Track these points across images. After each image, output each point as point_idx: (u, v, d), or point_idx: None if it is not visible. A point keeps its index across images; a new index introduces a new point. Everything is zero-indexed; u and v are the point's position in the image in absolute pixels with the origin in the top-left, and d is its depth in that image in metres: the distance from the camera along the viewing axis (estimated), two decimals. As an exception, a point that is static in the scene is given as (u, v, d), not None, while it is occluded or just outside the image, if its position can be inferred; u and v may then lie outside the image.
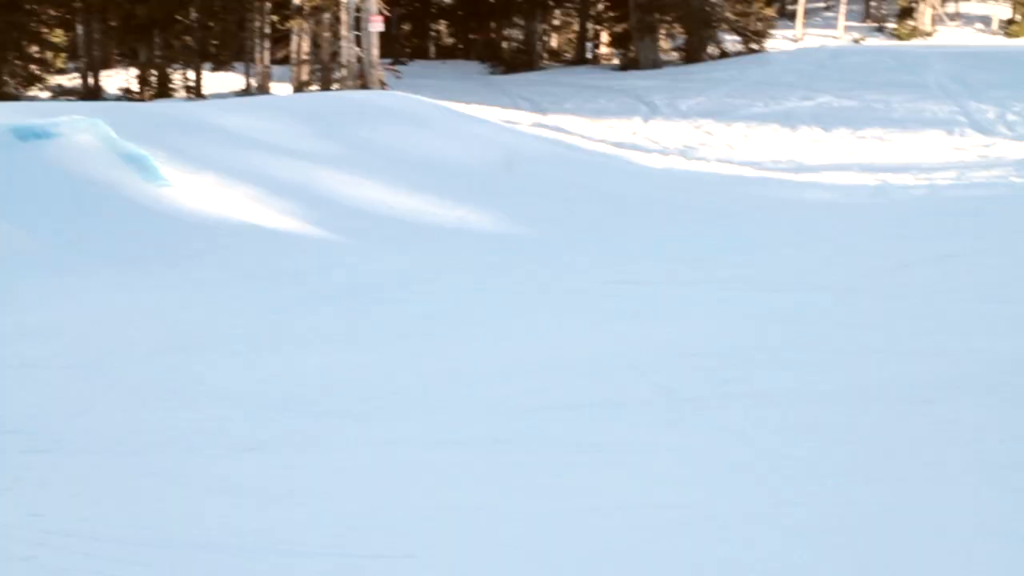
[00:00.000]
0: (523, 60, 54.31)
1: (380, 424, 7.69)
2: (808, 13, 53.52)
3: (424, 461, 6.81)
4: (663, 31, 50.02)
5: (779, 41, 48.72)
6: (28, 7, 51.83)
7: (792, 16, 53.66)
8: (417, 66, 53.68)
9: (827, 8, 58.42)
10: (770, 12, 50.05)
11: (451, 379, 9.01)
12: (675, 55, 49.59)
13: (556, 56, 58.48)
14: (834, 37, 49.91)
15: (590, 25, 57.50)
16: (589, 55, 56.61)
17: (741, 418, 7.44)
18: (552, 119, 32.64)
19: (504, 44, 59.48)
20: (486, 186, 19.38)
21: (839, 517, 5.68)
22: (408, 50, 60.58)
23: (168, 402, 8.47)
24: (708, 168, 24.43)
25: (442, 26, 66.71)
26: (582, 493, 6.16)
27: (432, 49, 64.27)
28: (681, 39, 50.01)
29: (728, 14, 48.05)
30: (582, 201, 19.33)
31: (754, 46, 47.29)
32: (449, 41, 66.19)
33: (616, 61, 53.62)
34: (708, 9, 47.44)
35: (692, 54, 47.68)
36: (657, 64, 47.54)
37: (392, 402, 8.30)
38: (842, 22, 51.69)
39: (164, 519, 5.92)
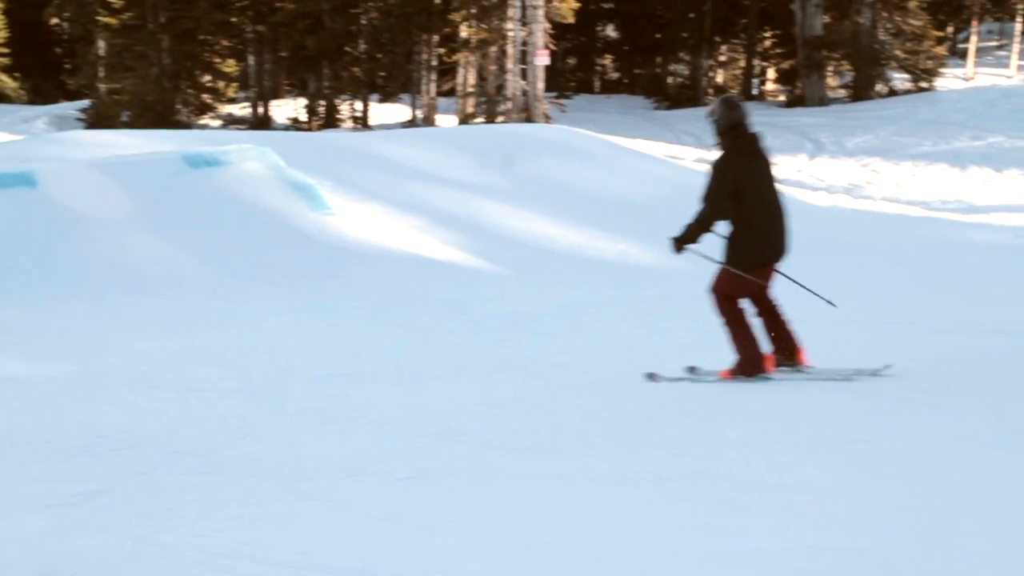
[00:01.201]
0: (688, 95, 54.11)
1: (540, 457, 7.66)
2: (980, 52, 52.46)
3: (585, 496, 6.76)
4: (831, 68, 49.47)
5: (949, 80, 47.74)
6: (202, 37, 52.94)
7: (963, 55, 52.62)
8: (581, 100, 53.73)
9: (999, 47, 57.24)
10: (941, 50, 49.18)
11: (612, 415, 8.95)
12: (842, 92, 48.96)
13: (721, 92, 58.14)
14: (1006, 76, 48.82)
15: (756, 61, 57.11)
16: (755, 91, 56.23)
17: (903, 460, 7.28)
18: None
19: (669, 79, 59.33)
20: (648, 220, 19.27)
21: None
22: (573, 84, 60.76)
23: (329, 428, 8.55)
24: (874, 207, 24.06)
25: (607, 60, 66.78)
26: (746, 532, 6.08)
27: (597, 83, 64.39)
28: (849, 76, 49.38)
29: (897, 52, 47.31)
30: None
31: (923, 84, 46.44)
32: (614, 76, 66.24)
33: (782, 97, 53.20)
34: (877, 47, 46.75)
35: (860, 91, 47.00)
36: (824, 101, 47.02)
37: (552, 435, 8.27)
38: (1015, 61, 50.53)
39: (323, 545, 5.96)
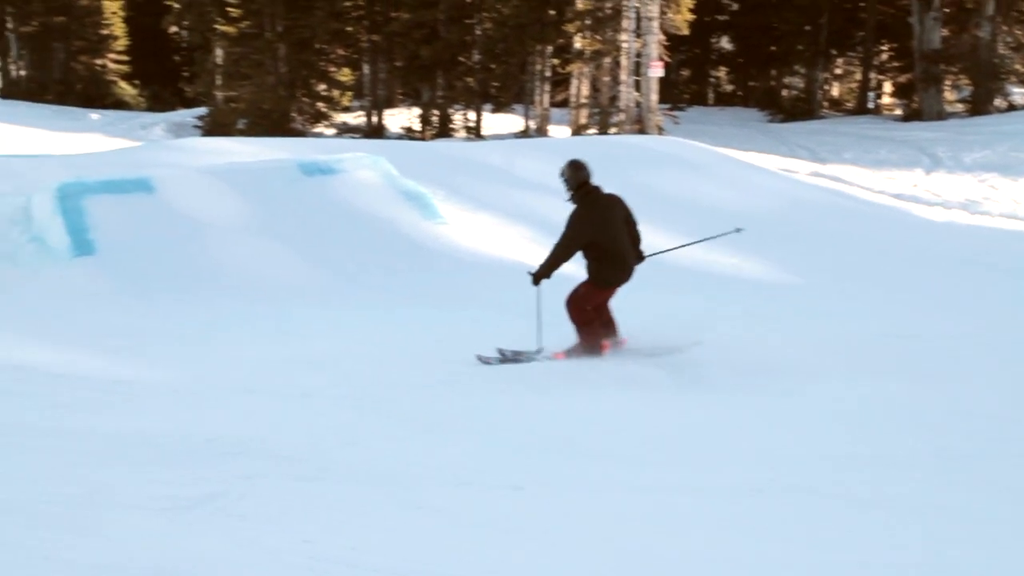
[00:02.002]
0: (803, 108, 53.73)
1: (644, 469, 7.65)
2: (1102, 66, 51.61)
3: (687, 508, 6.75)
4: (948, 82, 48.89)
5: (1071, 95, 47.09)
6: (318, 46, 53.43)
7: (1086, 69, 51.80)
8: (695, 112, 53.57)
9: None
10: (1062, 65, 48.49)
11: (715, 427, 8.92)
12: (960, 106, 48.35)
13: (837, 105, 57.70)
14: None
15: (873, 74, 56.52)
16: (871, 105, 55.68)
17: (1017, 477, 7.18)
18: (831, 169, 32.17)
19: (784, 92, 58.95)
20: (761, 234, 19.15)
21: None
22: (687, 96, 60.60)
23: (436, 437, 8.59)
24: (992, 223, 23.67)
25: (722, 73, 66.53)
26: (844, 547, 6.03)
27: (711, 95, 64.15)
28: (967, 90, 48.76)
29: (1017, 66, 46.68)
30: (857, 252, 18.97)
31: (1044, 99, 45.86)
32: (728, 88, 65.98)
33: (898, 111, 52.62)
34: (996, 60, 46.14)
35: (978, 106, 46.39)
36: (941, 115, 46.47)
37: (654, 448, 8.26)
38: None
39: (427, 552, 5.99)
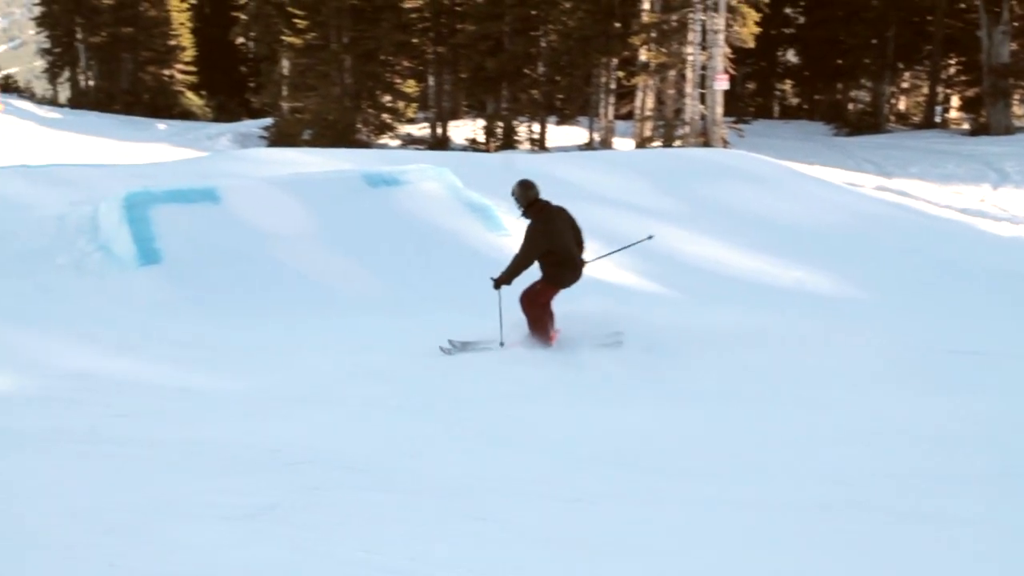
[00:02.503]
0: (869, 122, 53.37)
1: (705, 483, 7.60)
2: None
3: (748, 523, 6.70)
4: (1017, 96, 48.45)
5: None
6: (384, 58, 53.62)
7: None
8: (760, 125, 53.35)
9: None
10: None
11: (776, 441, 8.85)
12: (1029, 121, 48.01)
13: (903, 119, 57.29)
14: None
15: (940, 88, 56.07)
16: (938, 119, 55.22)
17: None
18: (897, 183, 31.94)
19: (850, 106, 58.60)
20: (825, 248, 19.07)
21: None
22: (752, 109, 60.36)
23: (498, 449, 8.57)
24: (1061, 239, 23.43)
25: (787, 86, 66.24)
26: (911, 565, 5.96)
27: (776, 109, 63.88)
28: (1036, 105, 48.40)
29: (1087, 80, 46.29)
30: (923, 267, 18.82)
31: (1113, 113, 45.41)
32: (794, 101, 65.68)
33: (966, 126, 52.17)
34: (1067, 75, 45.79)
35: (1047, 120, 46.06)
36: (1010, 130, 46.06)
37: (718, 462, 8.21)
38: None
39: (490, 564, 5.97)
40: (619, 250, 15.06)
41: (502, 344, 12.92)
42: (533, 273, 13.07)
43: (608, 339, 13.16)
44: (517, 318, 13.16)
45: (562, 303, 13.36)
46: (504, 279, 13.08)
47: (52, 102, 74.80)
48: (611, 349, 12.62)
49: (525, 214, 13.19)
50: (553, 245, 13.04)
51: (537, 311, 13.20)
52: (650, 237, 14.81)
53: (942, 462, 8.14)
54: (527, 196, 13.19)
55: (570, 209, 13.40)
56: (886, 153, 41.21)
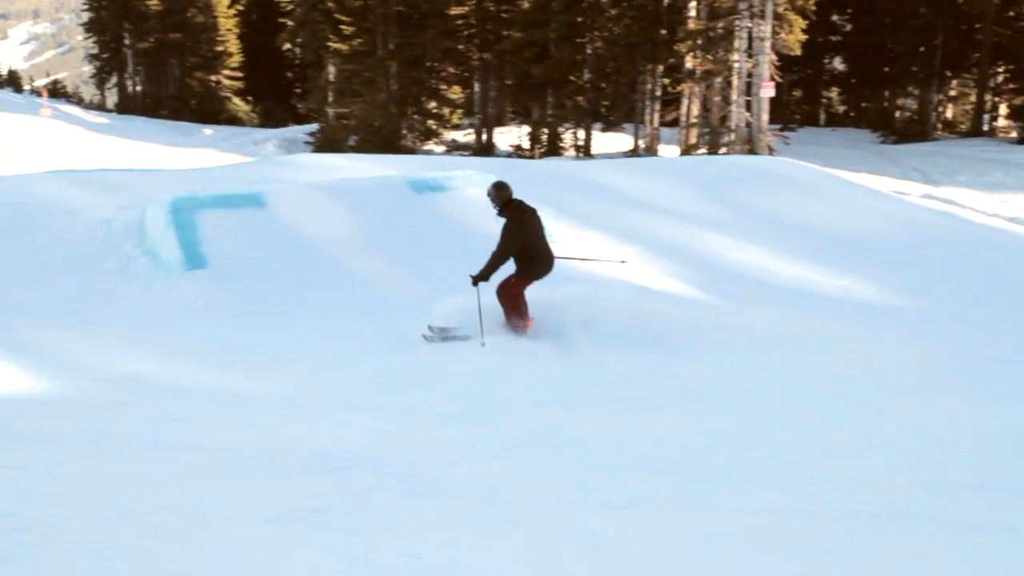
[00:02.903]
0: (916, 130, 53.14)
1: (750, 490, 7.57)
2: None
3: (794, 532, 6.67)
4: (1067, 104, 48.20)
5: None
6: (429, 64, 53.76)
7: None
8: (806, 133, 53.22)
9: None
10: None
11: (823, 449, 8.82)
12: (1078, 129, 47.66)
13: (950, 127, 57.00)
14: None
15: (988, 96, 55.73)
16: (985, 127, 54.89)
17: None
18: (944, 191, 31.78)
19: (897, 113, 58.35)
20: (871, 256, 18.97)
21: None
22: (798, 116, 60.23)
23: (544, 455, 8.56)
24: (1109, 247, 23.22)
25: (833, 93, 66.06)
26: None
27: (822, 116, 63.69)
28: (1085, 113, 48.08)
29: None
30: (969, 276, 18.69)
31: None
32: (840, 109, 65.46)
33: (1014, 134, 51.86)
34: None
35: (1096, 129, 45.72)
36: (1059, 138, 45.81)
37: (760, 469, 8.18)
38: None
39: (536, 571, 5.97)
40: (590, 259, 16.33)
41: (483, 344, 13.32)
42: (508, 267, 14.05)
43: (583, 324, 13.97)
44: (495, 312, 14.02)
45: (537, 290, 14.26)
46: (483, 275, 13.90)
47: (100, 107, 75.46)
48: (648, 355, 12.60)
49: (501, 213, 14.18)
50: (527, 241, 14.07)
51: (513, 301, 14.19)
52: (623, 262, 16.16)
53: (988, 472, 8.10)
54: (502, 197, 14.19)
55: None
56: (933, 161, 41.00)
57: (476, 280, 13.91)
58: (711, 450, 8.77)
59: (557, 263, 14.42)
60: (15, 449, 8.13)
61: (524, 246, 14.08)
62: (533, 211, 14.43)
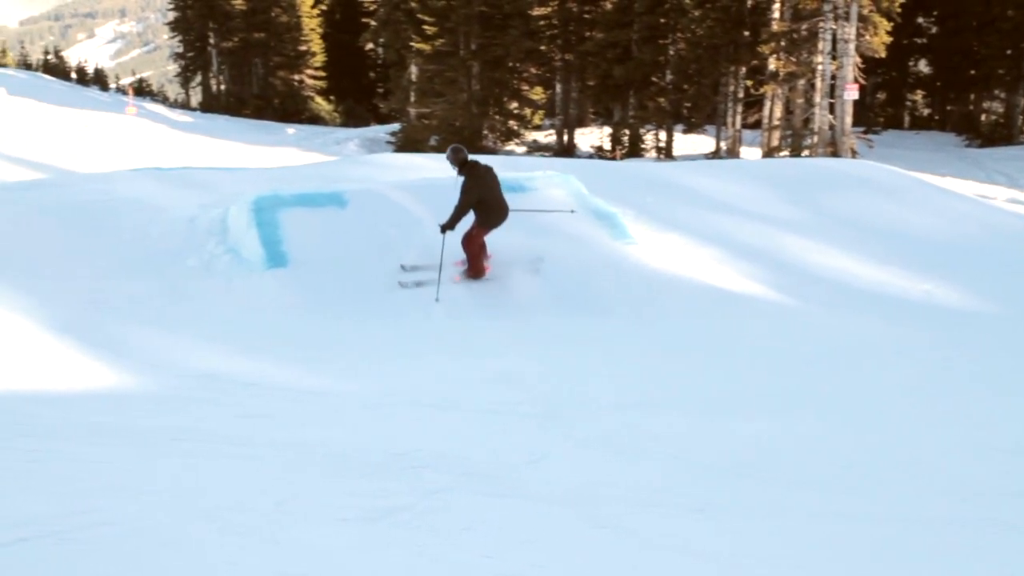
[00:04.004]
0: (1001, 133, 52.53)
1: (829, 496, 7.53)
2: None
3: (872, 537, 6.62)
4: None
5: None
6: (511, 65, 53.82)
7: None
8: (890, 136, 52.77)
9: None
10: None
11: (902, 455, 8.74)
12: None
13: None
14: None
15: (1076, 100, 55.03)
16: (1073, 130, 54.20)
17: None
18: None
19: (982, 117, 57.71)
20: (954, 261, 18.75)
21: None
22: (881, 119, 59.73)
23: (622, 457, 8.55)
24: None
25: (918, 96, 65.44)
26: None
27: (906, 119, 63.11)
28: None
29: None
30: (1060, 282, 18.43)
31: None
32: (924, 112, 64.84)
33: (1102, 137, 51.20)
34: None
35: None
36: None
37: (840, 473, 8.13)
38: None
39: (611, 572, 5.96)
40: (541, 211, 18.07)
41: (437, 300, 15.52)
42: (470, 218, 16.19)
43: (532, 264, 16.75)
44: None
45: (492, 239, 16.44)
46: (448, 225, 16.02)
47: (184, 106, 76.21)
48: (726, 357, 12.56)
49: (460, 173, 16.22)
50: (483, 194, 16.13)
51: (475, 249, 16.42)
52: (572, 212, 18.25)
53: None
54: (458, 159, 16.25)
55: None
56: (1019, 165, 40.57)
57: (444, 228, 16.09)
58: (790, 454, 8.72)
59: (512, 214, 16.59)
60: (99, 444, 8.22)
61: (481, 199, 16.14)
62: (488, 168, 16.52)
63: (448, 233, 16.13)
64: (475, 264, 16.47)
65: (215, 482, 7.33)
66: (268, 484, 7.32)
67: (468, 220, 16.30)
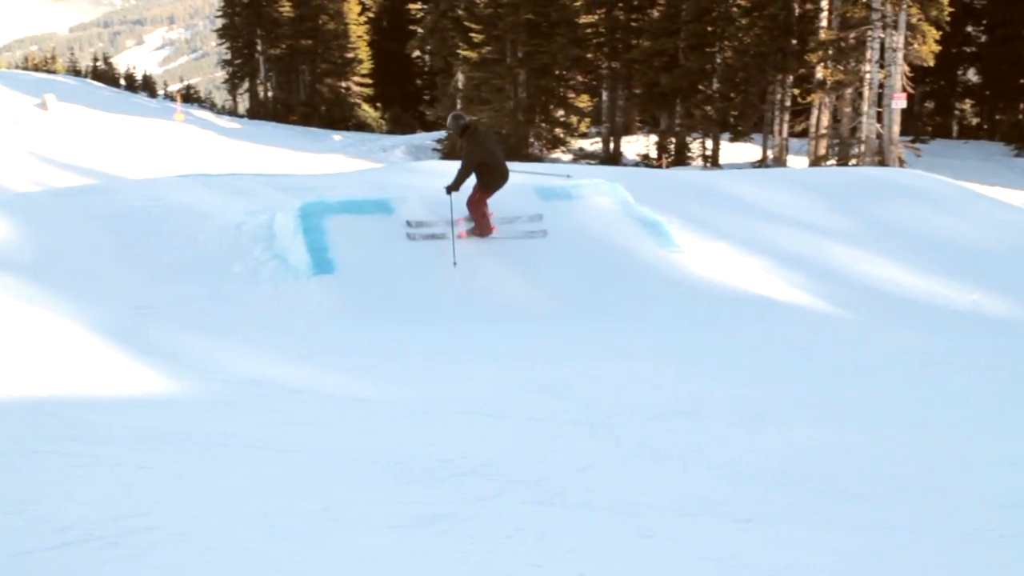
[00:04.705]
0: (1052, 143, 52.19)
1: (879, 508, 7.47)
2: None
3: (924, 550, 6.57)
4: None
5: None
6: (558, 72, 53.85)
7: None
8: (938, 145, 52.47)
9: None
10: None
11: (955, 466, 8.68)
12: None
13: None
14: None
15: None
16: None
17: None
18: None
19: (1032, 126, 57.34)
20: (1003, 271, 18.61)
21: None
22: (929, 128, 59.38)
23: (667, 466, 8.53)
24: None
25: (967, 105, 65.06)
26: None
27: (955, 128, 62.76)
28: None
29: None
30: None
31: None
32: (973, 121, 64.45)
33: None
34: None
35: None
36: None
37: (891, 485, 8.06)
38: None
39: (654, 583, 5.94)
40: (538, 173, 20.27)
41: (455, 264, 16.61)
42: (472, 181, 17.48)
43: (531, 222, 18.13)
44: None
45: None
46: (454, 186, 17.21)
47: (231, 112, 76.59)
48: (775, 367, 12.52)
49: (461, 137, 17.57)
50: (485, 159, 17.22)
51: (481, 209, 17.59)
52: (568, 176, 20.02)
53: None
54: (458, 125, 17.58)
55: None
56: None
57: (449, 190, 17.26)
58: (839, 465, 8.66)
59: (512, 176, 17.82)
60: (145, 449, 8.26)
61: (482, 162, 17.23)
62: (488, 133, 18.02)
63: (454, 195, 17.37)
64: (481, 223, 17.67)
65: (262, 488, 7.35)
66: (314, 490, 7.33)
67: (471, 184, 17.64)
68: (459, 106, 54.85)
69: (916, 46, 41.44)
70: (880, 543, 6.70)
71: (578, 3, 53.84)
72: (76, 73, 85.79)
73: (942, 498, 7.77)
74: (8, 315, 12.62)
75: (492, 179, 17.42)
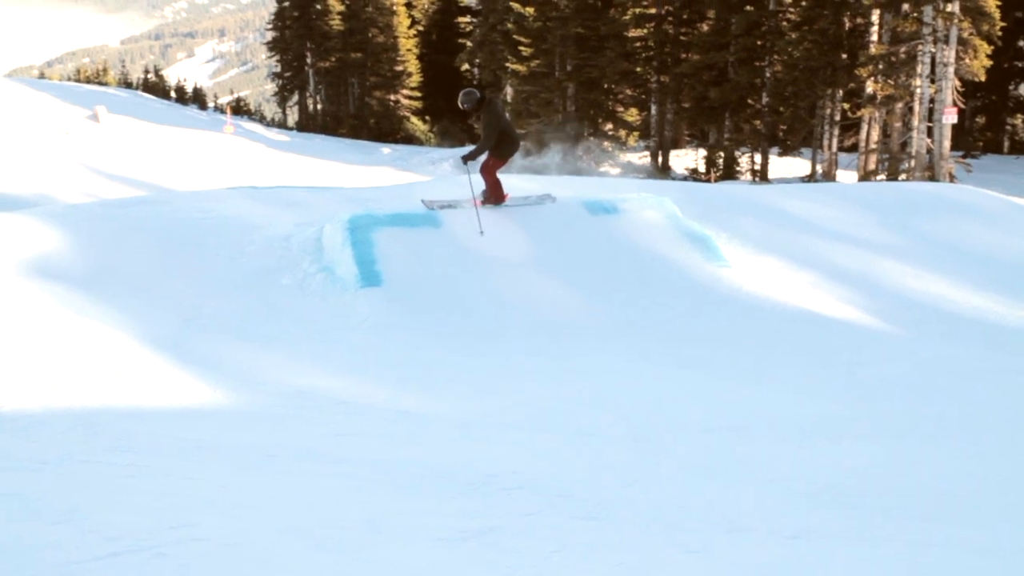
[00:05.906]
0: (1105, 159, 51.76)
1: (929, 524, 7.41)
2: None
3: (977, 569, 6.51)
4: None
5: None
6: (606, 86, 53.86)
7: None
8: (988, 160, 52.15)
9: None
10: None
11: (1002, 483, 8.60)
12: None
13: None
14: None
15: None
16: None
17: None
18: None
19: (1085, 141, 56.96)
20: (1057, 288, 18.47)
21: None
22: (980, 143, 59.00)
23: (714, 482, 8.48)
24: None
25: (1018, 120, 64.61)
26: None
27: (1006, 144, 62.34)
28: None
29: None
30: None
31: None
32: (1027, 136, 64.01)
33: None
34: None
35: None
36: None
37: (941, 502, 8.00)
38: None
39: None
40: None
41: (482, 233, 17.66)
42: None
43: (540, 199, 19.26)
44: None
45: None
46: (472, 156, 18.17)
47: (281, 125, 77.02)
48: (822, 382, 12.46)
49: (478, 111, 18.28)
50: (501, 127, 18.10)
51: (493, 178, 18.60)
52: (552, 198, 19.65)
53: None
54: (472, 99, 18.29)
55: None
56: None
57: (466, 159, 18.31)
58: (889, 481, 8.60)
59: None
60: (193, 459, 8.29)
61: (502, 130, 18.08)
62: (501, 102, 17.78)
63: (473, 175, 18.87)
64: (494, 191, 18.68)
65: (308, 499, 7.36)
66: (359, 502, 7.34)
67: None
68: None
69: (967, 60, 41.21)
70: (932, 561, 6.65)
71: (627, 17, 53.86)
72: (127, 85, 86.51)
73: (995, 515, 7.71)
74: (59, 326, 12.71)
75: (505, 147, 18.33)
